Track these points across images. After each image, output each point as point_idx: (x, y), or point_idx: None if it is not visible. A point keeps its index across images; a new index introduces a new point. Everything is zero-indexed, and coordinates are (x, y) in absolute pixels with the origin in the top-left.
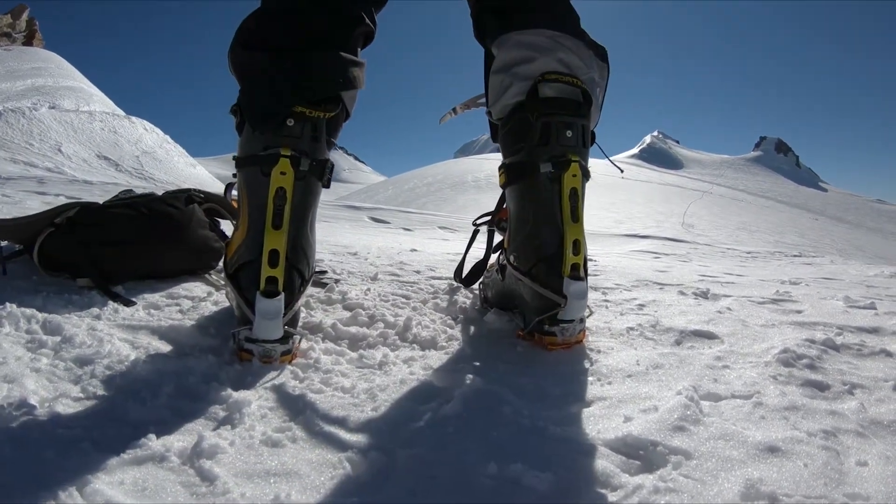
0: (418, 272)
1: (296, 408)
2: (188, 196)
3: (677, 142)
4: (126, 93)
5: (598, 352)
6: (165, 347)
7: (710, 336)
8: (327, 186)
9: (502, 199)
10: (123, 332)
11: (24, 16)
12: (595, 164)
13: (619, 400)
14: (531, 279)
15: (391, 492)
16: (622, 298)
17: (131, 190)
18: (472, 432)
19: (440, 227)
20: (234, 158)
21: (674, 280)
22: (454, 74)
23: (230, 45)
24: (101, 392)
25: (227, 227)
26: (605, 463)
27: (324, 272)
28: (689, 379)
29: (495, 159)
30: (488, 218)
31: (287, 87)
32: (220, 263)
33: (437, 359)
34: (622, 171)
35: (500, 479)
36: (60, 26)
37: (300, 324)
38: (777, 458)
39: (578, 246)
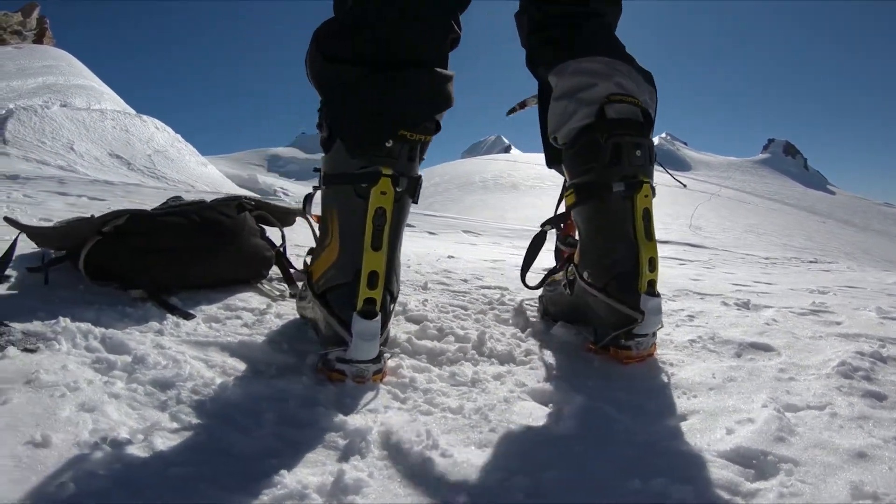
0: (465, 280)
1: (415, 432)
2: (239, 203)
3: (685, 143)
4: (133, 91)
5: (671, 365)
6: (240, 365)
7: (766, 348)
8: (416, 202)
9: (566, 214)
10: (193, 349)
11: (35, 14)
12: None
13: (712, 413)
14: (606, 295)
15: None
16: (670, 309)
17: (180, 196)
18: (596, 450)
19: (464, 231)
20: (319, 172)
21: (710, 290)
22: (460, 71)
23: (308, 51)
24: (195, 420)
25: (273, 234)
26: (727, 473)
27: None
28: (765, 391)
29: (502, 160)
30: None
31: (387, 111)
32: (271, 272)
33: (524, 374)
34: (685, 186)
35: (648, 494)
36: (71, 24)
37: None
38: (866, 463)
39: (654, 263)
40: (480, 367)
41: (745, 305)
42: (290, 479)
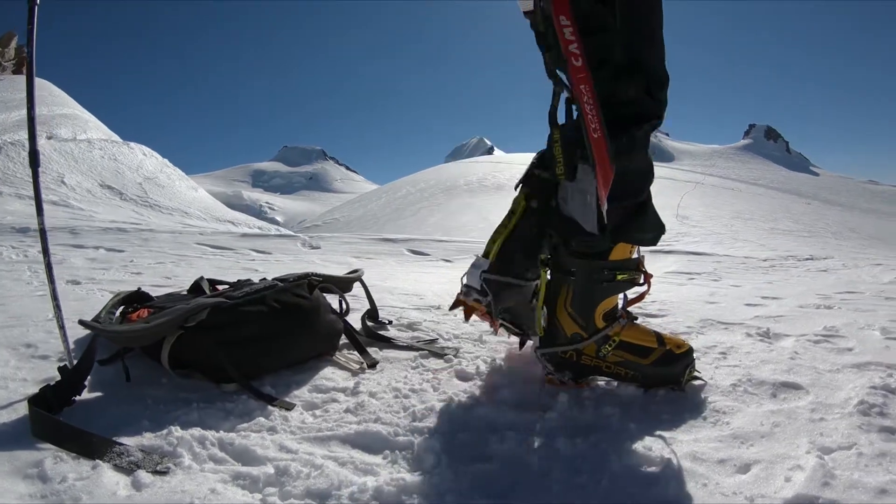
0: None
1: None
2: (309, 282)
3: (667, 134)
4: (112, 114)
5: (724, 413)
6: (369, 458)
7: (796, 387)
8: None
9: None
10: (317, 447)
11: (13, 44)
12: None
13: (770, 461)
14: None
15: None
16: (703, 346)
17: (250, 280)
18: None
19: (475, 256)
20: None
21: (730, 316)
22: (441, 78)
23: None
24: None
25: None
26: None
27: (434, 340)
28: (804, 435)
29: (486, 162)
30: None
31: None
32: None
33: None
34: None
35: None
36: (50, 51)
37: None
38: (890, 498)
39: (491, 242)
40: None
41: (767, 335)
42: None
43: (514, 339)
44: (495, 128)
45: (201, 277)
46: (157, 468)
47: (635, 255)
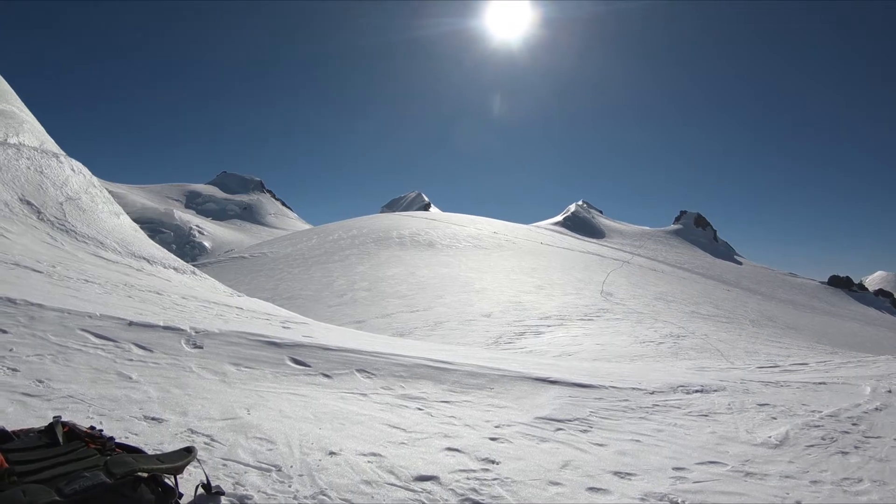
0: None
1: None
2: (134, 478)
3: (601, 212)
4: (61, 113)
5: None
6: None
7: None
8: None
9: None
10: None
11: None
12: (517, 229)
13: None
14: None
15: None
16: None
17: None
18: None
19: (358, 371)
20: None
21: None
22: (388, 129)
23: None
24: None
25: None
26: None
27: None
28: None
29: (421, 217)
30: None
31: None
32: None
33: None
34: None
35: None
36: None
37: None
38: None
39: None
40: None
41: None
42: None
43: None
44: (435, 185)
45: (57, 420)
46: None
47: None
